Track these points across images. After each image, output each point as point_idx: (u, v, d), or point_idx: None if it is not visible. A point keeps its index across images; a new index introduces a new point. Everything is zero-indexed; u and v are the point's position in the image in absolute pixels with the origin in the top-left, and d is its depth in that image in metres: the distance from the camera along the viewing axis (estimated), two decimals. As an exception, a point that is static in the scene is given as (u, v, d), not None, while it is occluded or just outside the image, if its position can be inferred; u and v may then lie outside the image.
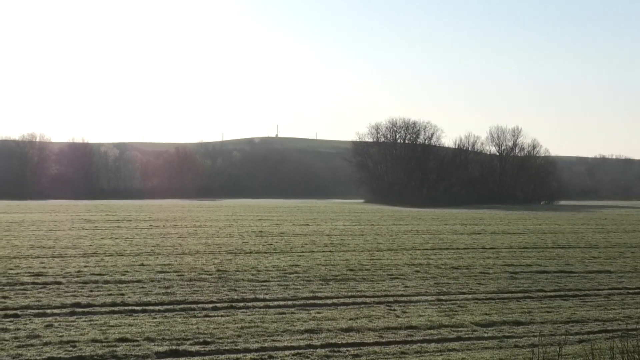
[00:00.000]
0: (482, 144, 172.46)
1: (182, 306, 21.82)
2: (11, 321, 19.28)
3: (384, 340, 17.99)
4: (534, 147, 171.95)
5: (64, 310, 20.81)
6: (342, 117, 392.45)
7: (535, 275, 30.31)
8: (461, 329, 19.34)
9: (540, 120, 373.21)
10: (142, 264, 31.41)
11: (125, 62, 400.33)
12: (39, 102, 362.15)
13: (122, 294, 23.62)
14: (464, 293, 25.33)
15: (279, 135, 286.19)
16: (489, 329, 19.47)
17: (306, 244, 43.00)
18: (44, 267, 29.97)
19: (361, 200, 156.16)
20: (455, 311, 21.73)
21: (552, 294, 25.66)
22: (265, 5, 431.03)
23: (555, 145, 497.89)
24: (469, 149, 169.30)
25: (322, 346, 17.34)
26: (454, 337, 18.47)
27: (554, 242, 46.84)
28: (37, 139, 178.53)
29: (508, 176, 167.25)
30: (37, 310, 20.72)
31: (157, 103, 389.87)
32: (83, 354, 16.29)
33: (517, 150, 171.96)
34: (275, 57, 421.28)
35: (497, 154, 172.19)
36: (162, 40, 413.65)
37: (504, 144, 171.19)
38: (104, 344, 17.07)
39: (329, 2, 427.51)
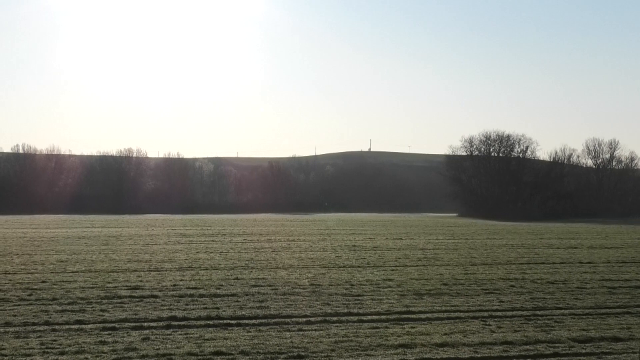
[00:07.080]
0: (578, 156, 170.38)
1: (276, 320, 21.90)
2: (109, 334, 19.63)
3: (479, 355, 17.77)
4: (632, 159, 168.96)
5: (160, 324, 21.10)
6: (434, 130, 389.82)
7: (635, 290, 29.66)
8: (558, 344, 18.99)
9: (638, 131, 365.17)
10: (237, 278, 31.68)
11: (219, 79, 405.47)
12: (136, 118, 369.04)
13: (217, 308, 23.84)
14: (560, 308, 24.89)
15: (372, 150, 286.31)
16: (587, 345, 19.06)
17: (399, 258, 42.82)
18: (141, 281, 30.50)
19: (455, 214, 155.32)
20: (552, 326, 21.35)
21: (652, 309, 25.05)
22: (355, 24, 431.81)
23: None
24: (565, 162, 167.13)
25: (416, 361, 17.25)
26: (550, 353, 18.15)
27: (654, 257, 45.78)
28: (134, 155, 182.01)
29: (605, 189, 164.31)
30: (134, 324, 21.06)
31: (251, 118, 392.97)
32: (179, 367, 16.53)
33: (614, 163, 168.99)
34: (367, 72, 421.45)
35: (594, 167, 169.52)
36: (255, 57, 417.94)
37: (601, 156, 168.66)
38: (199, 357, 17.24)
39: (418, 18, 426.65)
